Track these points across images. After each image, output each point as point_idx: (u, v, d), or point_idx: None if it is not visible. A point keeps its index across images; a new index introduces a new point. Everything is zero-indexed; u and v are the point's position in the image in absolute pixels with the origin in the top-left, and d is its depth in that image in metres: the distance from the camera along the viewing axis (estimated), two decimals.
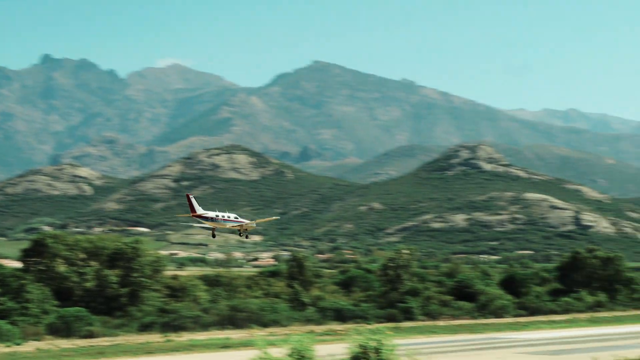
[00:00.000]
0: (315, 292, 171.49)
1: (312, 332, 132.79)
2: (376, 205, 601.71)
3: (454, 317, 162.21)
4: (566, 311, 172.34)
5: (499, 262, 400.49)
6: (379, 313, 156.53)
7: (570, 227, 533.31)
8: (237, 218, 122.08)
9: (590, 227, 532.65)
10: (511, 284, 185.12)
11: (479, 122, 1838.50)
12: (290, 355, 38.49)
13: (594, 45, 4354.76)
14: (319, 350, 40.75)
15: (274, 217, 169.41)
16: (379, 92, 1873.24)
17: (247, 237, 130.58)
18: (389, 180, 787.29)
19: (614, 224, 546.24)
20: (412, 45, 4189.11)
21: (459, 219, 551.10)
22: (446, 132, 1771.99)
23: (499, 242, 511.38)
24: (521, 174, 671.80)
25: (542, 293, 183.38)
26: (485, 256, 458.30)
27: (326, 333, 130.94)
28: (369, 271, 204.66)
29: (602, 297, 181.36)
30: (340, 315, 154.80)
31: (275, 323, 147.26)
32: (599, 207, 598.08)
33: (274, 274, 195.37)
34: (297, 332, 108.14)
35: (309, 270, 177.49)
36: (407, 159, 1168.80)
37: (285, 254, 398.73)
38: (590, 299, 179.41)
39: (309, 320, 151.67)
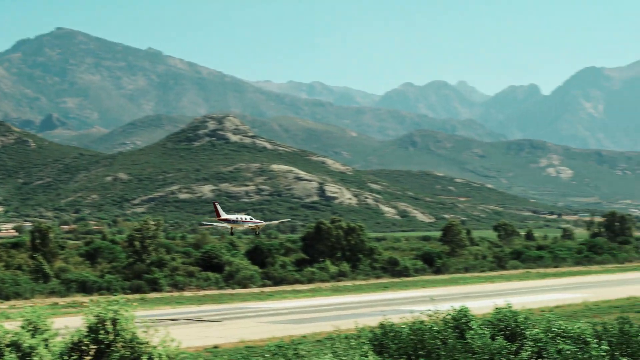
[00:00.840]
0: (59, 263, 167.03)
1: (55, 304, 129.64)
2: (122, 175, 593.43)
3: (201, 287, 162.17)
4: (310, 281, 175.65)
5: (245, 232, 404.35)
6: (124, 284, 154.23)
7: (315, 198, 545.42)
8: (251, 219, 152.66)
9: (334, 198, 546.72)
10: (257, 255, 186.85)
11: (226, 93, 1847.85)
12: (23, 327, 36.95)
13: (337, 19, 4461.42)
14: (56, 323, 39.39)
15: (286, 220, 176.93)
16: (124, 61, 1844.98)
17: (258, 234, 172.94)
18: (135, 150, 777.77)
19: (356, 195, 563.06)
20: (159, 14, 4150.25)
21: (206, 189, 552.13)
22: (193, 102, 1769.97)
23: (245, 213, 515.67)
24: (267, 145, 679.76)
25: (288, 263, 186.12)
26: None
27: (70, 305, 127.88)
28: (114, 242, 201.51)
29: (345, 266, 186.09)
30: (85, 287, 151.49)
31: (18, 296, 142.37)
32: (342, 178, 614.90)
33: (15, 245, 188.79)
34: (39, 305, 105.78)
35: (52, 242, 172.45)
36: (154, 129, 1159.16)
37: (27, 225, 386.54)
38: (333, 268, 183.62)
39: (52, 293, 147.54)
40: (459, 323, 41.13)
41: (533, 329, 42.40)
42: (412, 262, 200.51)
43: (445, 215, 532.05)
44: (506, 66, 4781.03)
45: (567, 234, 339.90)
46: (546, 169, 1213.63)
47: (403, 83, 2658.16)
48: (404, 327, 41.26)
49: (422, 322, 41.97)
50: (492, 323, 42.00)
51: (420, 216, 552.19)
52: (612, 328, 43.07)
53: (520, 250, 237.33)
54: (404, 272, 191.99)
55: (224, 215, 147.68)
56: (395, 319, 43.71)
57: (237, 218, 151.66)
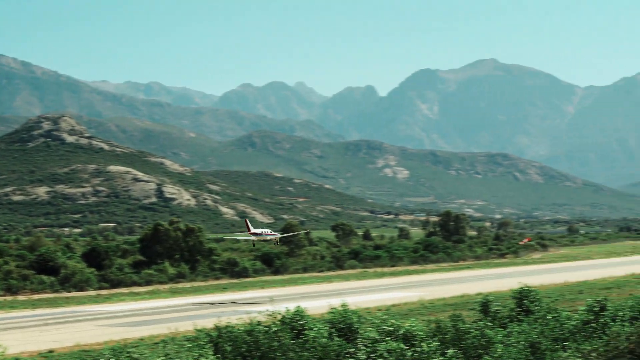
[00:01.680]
0: None
1: None
2: None
3: (35, 291, 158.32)
4: (148, 283, 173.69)
5: (82, 235, 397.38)
6: None
7: (153, 200, 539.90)
8: (271, 232, 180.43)
9: (172, 199, 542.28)
10: (93, 257, 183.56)
11: (61, 93, 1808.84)
12: None
13: (174, 18, 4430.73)
14: None
15: (304, 231, 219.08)
16: None
17: (276, 244, 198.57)
18: None
19: (195, 196, 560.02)
20: None
21: (41, 191, 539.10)
22: (27, 102, 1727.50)
23: (82, 215, 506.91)
24: (104, 146, 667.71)
25: (125, 265, 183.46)
26: (68, 229, 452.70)
27: None
28: None
29: (183, 268, 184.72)
30: None
31: None
32: (181, 179, 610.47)
33: None
34: None
35: None
36: None
37: None
38: (172, 270, 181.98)
39: None
40: (296, 323, 41.31)
41: (367, 328, 43.04)
42: (251, 263, 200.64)
43: (284, 216, 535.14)
44: (343, 67, 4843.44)
45: (403, 234, 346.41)
46: (383, 169, 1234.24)
47: (242, 84, 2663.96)
48: (239, 329, 41.16)
49: (258, 322, 41.97)
50: (329, 322, 42.34)
51: (259, 217, 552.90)
52: (445, 325, 44.07)
53: (358, 250, 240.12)
54: (243, 273, 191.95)
55: (253, 230, 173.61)
56: (232, 320, 43.60)
57: (261, 232, 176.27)
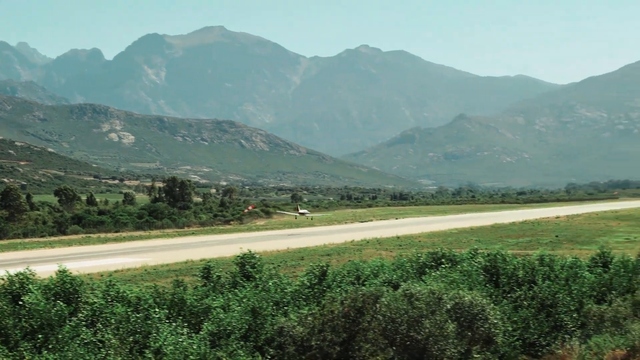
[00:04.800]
0: None
1: None
2: None
3: None
4: None
5: None
6: None
7: None
8: (307, 211, 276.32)
9: None
10: None
11: None
12: None
13: None
14: None
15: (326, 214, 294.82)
16: None
17: (312, 218, 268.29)
18: None
19: None
20: None
21: None
22: None
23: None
24: None
25: None
26: None
27: None
28: None
29: None
30: None
31: None
32: None
33: None
34: None
35: None
36: None
37: None
38: None
39: None
40: (13, 289, 40.18)
41: (91, 294, 42.48)
42: None
43: (5, 180, 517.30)
44: (68, 29, 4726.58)
45: (128, 199, 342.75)
46: (108, 134, 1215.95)
47: None
48: None
49: None
50: (49, 288, 41.42)
51: None
52: (164, 291, 44.05)
53: (81, 215, 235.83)
54: None
55: (300, 211, 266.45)
56: None
57: (303, 212, 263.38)
